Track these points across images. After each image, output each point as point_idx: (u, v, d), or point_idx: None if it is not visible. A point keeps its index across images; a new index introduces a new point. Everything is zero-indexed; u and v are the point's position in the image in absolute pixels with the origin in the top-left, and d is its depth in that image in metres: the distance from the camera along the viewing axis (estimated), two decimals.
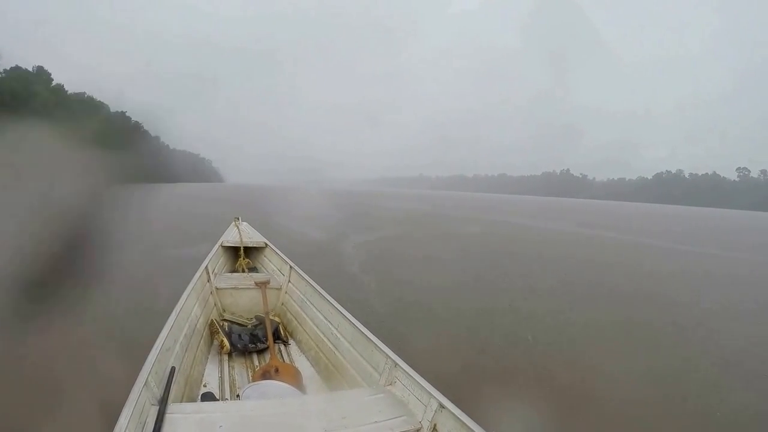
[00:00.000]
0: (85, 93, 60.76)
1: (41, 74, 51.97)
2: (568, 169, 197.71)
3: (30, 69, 51.76)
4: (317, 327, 2.75)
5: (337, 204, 29.42)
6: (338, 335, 2.48)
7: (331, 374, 2.43)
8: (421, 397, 1.71)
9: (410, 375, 1.82)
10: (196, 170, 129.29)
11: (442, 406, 1.61)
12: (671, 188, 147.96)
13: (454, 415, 1.54)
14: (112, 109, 68.10)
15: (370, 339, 2.19)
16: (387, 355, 2.01)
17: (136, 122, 73.05)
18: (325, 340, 2.59)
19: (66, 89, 54.91)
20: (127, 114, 71.48)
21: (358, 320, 2.40)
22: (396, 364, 1.93)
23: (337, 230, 12.86)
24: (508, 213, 30.81)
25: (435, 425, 1.61)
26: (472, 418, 1.50)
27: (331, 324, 2.60)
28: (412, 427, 1.62)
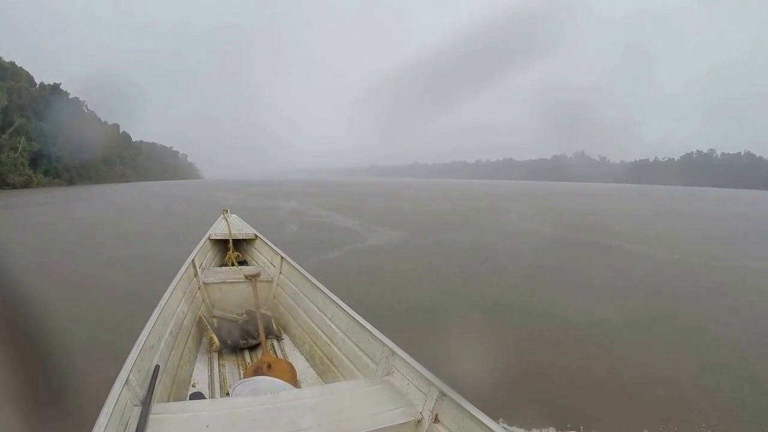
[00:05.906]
0: None
1: None
2: (583, 151, 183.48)
3: None
4: (311, 319, 2.61)
5: None
6: (333, 326, 2.35)
7: (326, 368, 2.32)
8: (421, 386, 1.61)
9: (409, 363, 1.70)
10: (167, 166, 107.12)
11: (443, 394, 1.51)
12: (703, 169, 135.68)
13: (456, 403, 1.45)
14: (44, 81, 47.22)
15: (366, 328, 2.04)
16: (384, 344, 1.88)
17: (76, 98, 51.91)
18: (320, 332, 2.46)
19: None
20: (61, 87, 50.17)
21: (354, 310, 2.22)
22: (394, 353, 1.81)
23: None
24: None
25: (437, 415, 1.51)
26: (475, 406, 1.39)
27: (325, 315, 2.46)
28: (413, 417, 1.53)
